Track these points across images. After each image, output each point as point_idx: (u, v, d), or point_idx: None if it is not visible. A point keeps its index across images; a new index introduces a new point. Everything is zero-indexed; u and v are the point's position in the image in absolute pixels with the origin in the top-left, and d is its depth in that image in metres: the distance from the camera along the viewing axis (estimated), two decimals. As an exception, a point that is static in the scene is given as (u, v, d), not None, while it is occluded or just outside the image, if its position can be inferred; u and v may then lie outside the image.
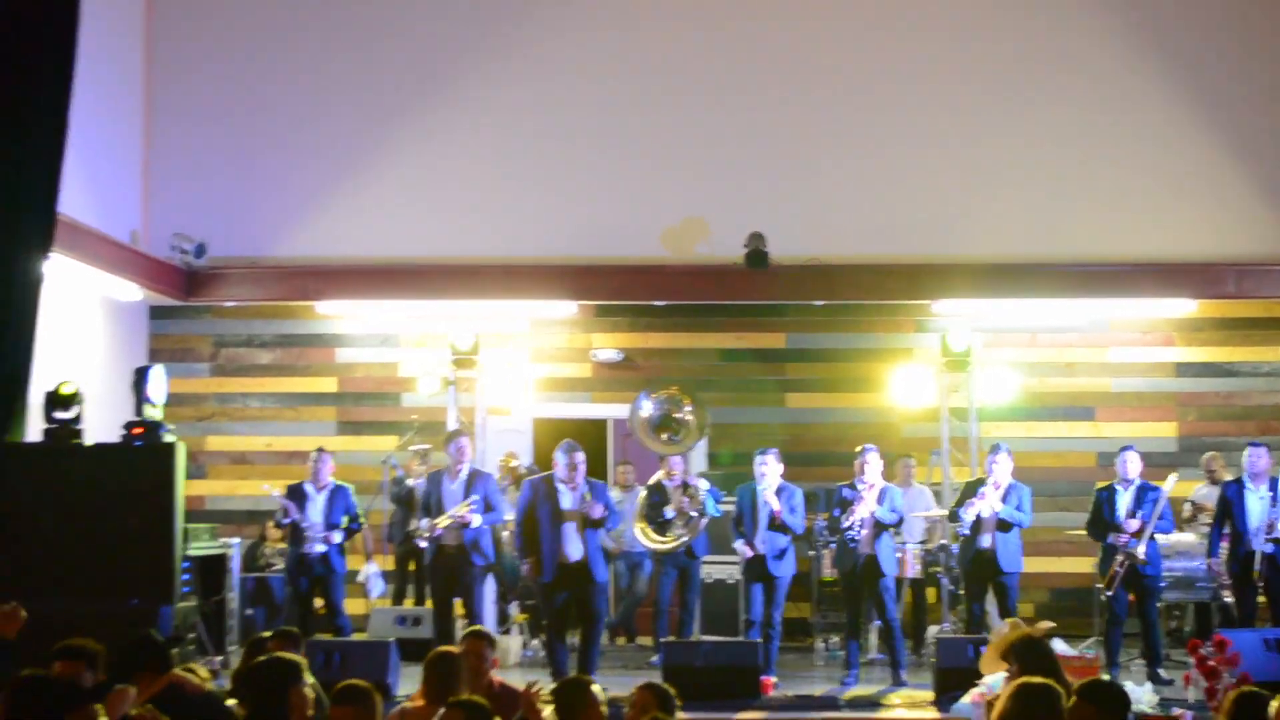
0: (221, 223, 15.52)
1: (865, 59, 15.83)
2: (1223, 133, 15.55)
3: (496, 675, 8.16)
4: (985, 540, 12.45)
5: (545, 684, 7.21)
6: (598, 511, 11.71)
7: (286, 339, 16.30)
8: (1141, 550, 12.31)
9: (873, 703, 11.56)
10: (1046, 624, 8.13)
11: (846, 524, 12.33)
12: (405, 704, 7.63)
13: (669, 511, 13.24)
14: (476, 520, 12.46)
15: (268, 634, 8.80)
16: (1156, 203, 15.54)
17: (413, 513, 14.18)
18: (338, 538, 13.06)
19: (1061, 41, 15.80)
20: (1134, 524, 12.39)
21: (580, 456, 11.83)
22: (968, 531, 12.58)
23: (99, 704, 6.18)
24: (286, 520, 13.07)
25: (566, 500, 11.78)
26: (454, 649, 7.41)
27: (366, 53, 15.97)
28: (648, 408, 13.54)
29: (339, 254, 15.62)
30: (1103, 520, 12.63)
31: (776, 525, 12.44)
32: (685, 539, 13.17)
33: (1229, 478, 13.84)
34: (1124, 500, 12.57)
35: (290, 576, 13.33)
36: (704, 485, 13.27)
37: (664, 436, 13.50)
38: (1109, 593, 12.44)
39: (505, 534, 13.58)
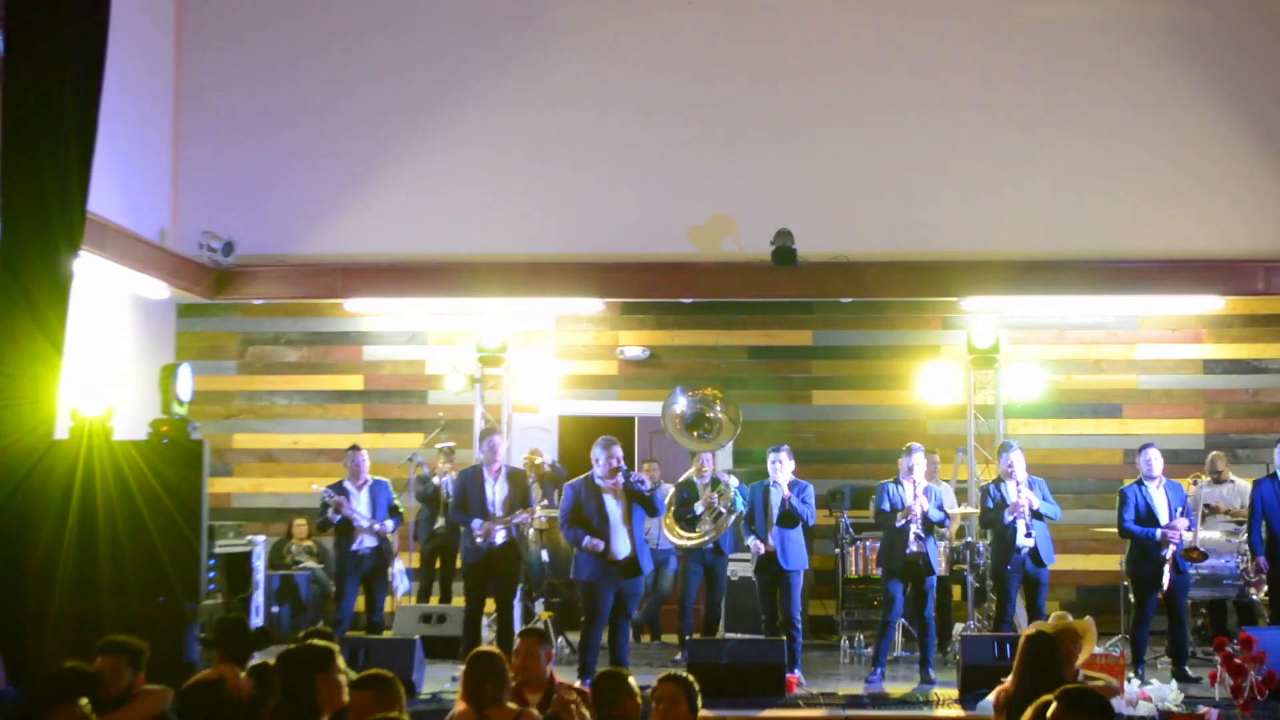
0: (249, 221, 15.55)
1: (892, 55, 15.78)
2: (1252, 129, 15.46)
3: (553, 671, 8.15)
4: (1024, 537, 12.43)
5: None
6: (647, 484, 11.83)
7: (313, 337, 16.36)
8: (1196, 543, 12.37)
9: (899, 700, 11.53)
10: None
11: (902, 522, 12.34)
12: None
13: (697, 507, 13.26)
14: (533, 521, 12.55)
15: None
16: (1185, 199, 15.46)
17: (439, 510, 14.23)
18: (390, 524, 13.10)
19: (1090, 37, 15.72)
20: (1184, 522, 12.38)
21: (618, 451, 11.86)
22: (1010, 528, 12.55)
23: (85, 699, 6.18)
24: (338, 517, 13.04)
25: (610, 497, 11.80)
26: (493, 649, 7.39)
27: (393, 50, 15.98)
28: (682, 404, 13.52)
29: (366, 252, 15.64)
30: (1140, 518, 12.56)
31: (787, 520, 12.45)
32: (712, 535, 13.19)
33: (1232, 477, 13.88)
34: (1160, 498, 12.53)
35: (337, 577, 13.31)
36: (734, 482, 13.27)
37: (696, 434, 13.49)
38: (1161, 591, 12.40)
39: (530, 531, 13.60)
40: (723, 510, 13.20)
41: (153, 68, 15.41)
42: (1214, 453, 14.45)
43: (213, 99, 15.90)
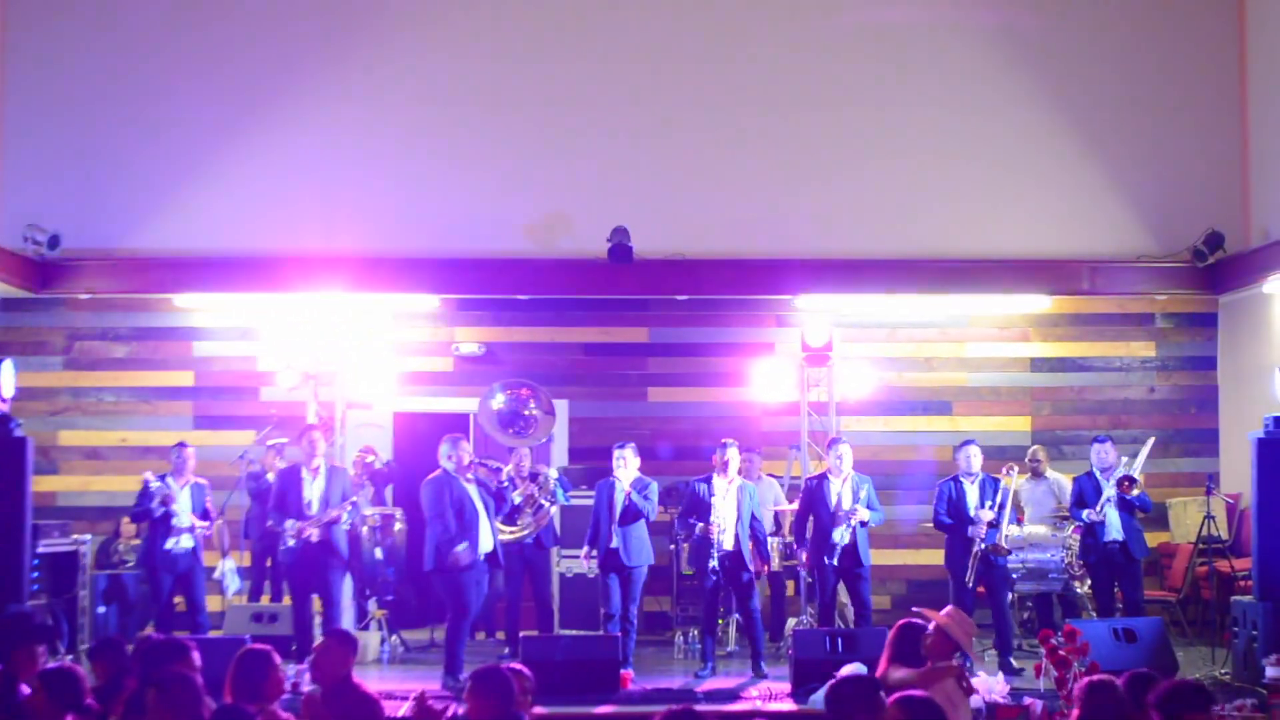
0: (76, 214, 15.27)
1: (729, 55, 15.88)
2: (1077, 132, 15.80)
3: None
4: (841, 534, 12.58)
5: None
6: (497, 477, 12.09)
7: (142, 332, 16.04)
8: (1003, 539, 12.61)
9: (729, 694, 11.60)
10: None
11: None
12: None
13: (516, 499, 13.26)
14: (344, 519, 12.45)
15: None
16: (1013, 200, 15.77)
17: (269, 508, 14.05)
18: (215, 527, 12.92)
19: (922, 41, 15.97)
20: (988, 515, 12.63)
21: (468, 446, 12.09)
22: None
23: None
24: (163, 510, 12.78)
25: (474, 491, 11.91)
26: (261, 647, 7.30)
27: (225, 43, 15.76)
28: (499, 400, 13.60)
29: (197, 246, 15.40)
30: (953, 513, 12.83)
31: (629, 516, 12.52)
32: (531, 529, 13.27)
33: (1049, 472, 14.22)
34: (972, 493, 12.84)
35: (150, 573, 13.06)
36: (553, 474, 13.33)
37: (511, 431, 13.51)
38: (970, 583, 12.66)
39: (364, 530, 13.51)
40: (543, 502, 13.25)
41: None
42: (1034, 447, 14.77)
43: (38, 87, 15.56)
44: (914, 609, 8.96)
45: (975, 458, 12.95)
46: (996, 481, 12.95)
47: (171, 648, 7.02)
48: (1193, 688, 5.94)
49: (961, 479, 12.96)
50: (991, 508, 12.71)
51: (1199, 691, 5.95)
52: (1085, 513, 13.01)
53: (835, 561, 12.52)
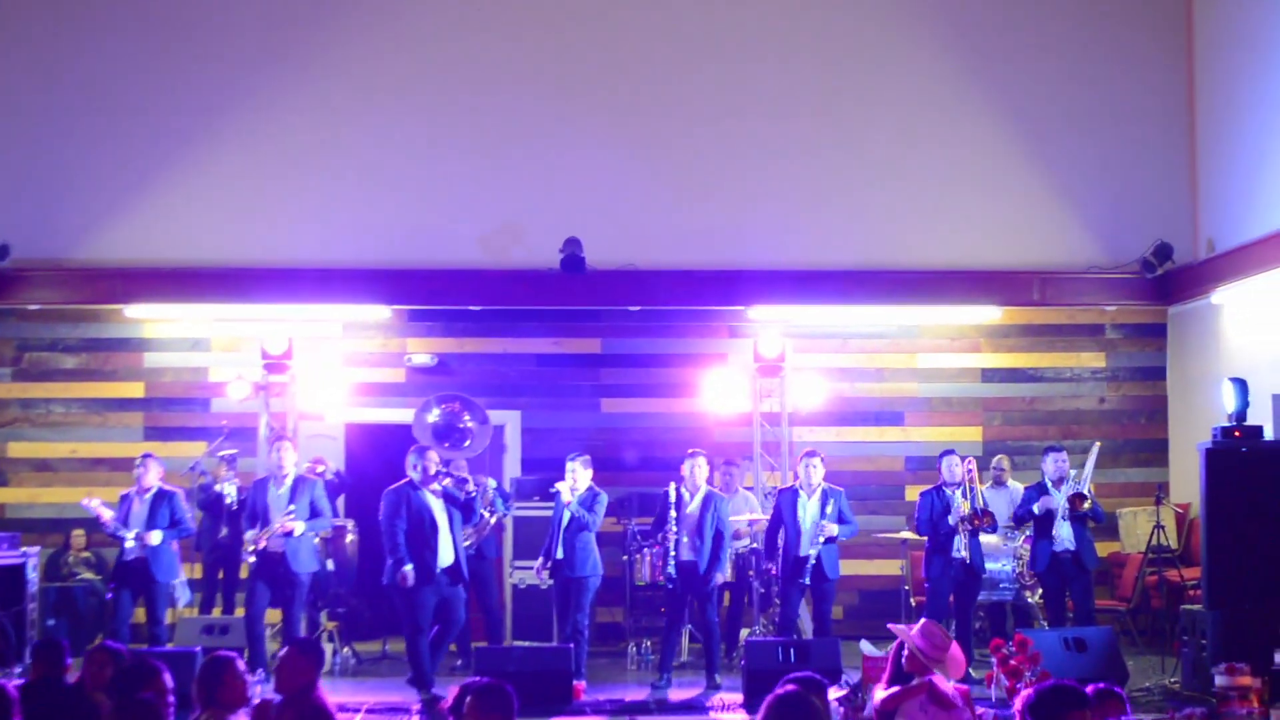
0: (25, 224, 15.24)
1: (681, 66, 15.94)
2: (1027, 144, 15.92)
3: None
4: (809, 547, 12.64)
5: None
6: (463, 488, 12.07)
7: (92, 343, 15.93)
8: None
9: (683, 706, 11.60)
10: None
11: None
12: None
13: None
14: (299, 528, 12.40)
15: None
16: (963, 212, 15.86)
17: (220, 520, 13.99)
18: (156, 538, 12.77)
19: (874, 53, 16.06)
20: (965, 506, 12.74)
21: (435, 457, 12.11)
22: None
23: None
24: (111, 528, 12.75)
25: (436, 503, 11.92)
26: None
27: (178, 52, 15.72)
28: (435, 414, 13.64)
29: (148, 256, 15.34)
30: (937, 523, 12.92)
31: (575, 527, 12.49)
32: (473, 540, 13.24)
33: (1011, 481, 14.28)
34: (956, 502, 12.88)
35: (113, 584, 12.96)
36: (491, 484, 13.31)
37: (446, 444, 13.50)
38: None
39: (316, 541, 13.45)
40: (483, 513, 13.25)
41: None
42: (998, 456, 14.83)
43: (-15, 97, 15.49)
44: (888, 625, 8.95)
45: (957, 467, 12.97)
46: (974, 487, 13.00)
47: (144, 672, 6.99)
48: (1068, 689, 5.95)
49: (945, 489, 12.98)
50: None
51: (1073, 693, 5.96)
52: (1037, 505, 13.02)
53: (807, 580, 12.58)
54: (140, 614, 13.06)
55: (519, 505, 14.45)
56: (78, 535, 15.12)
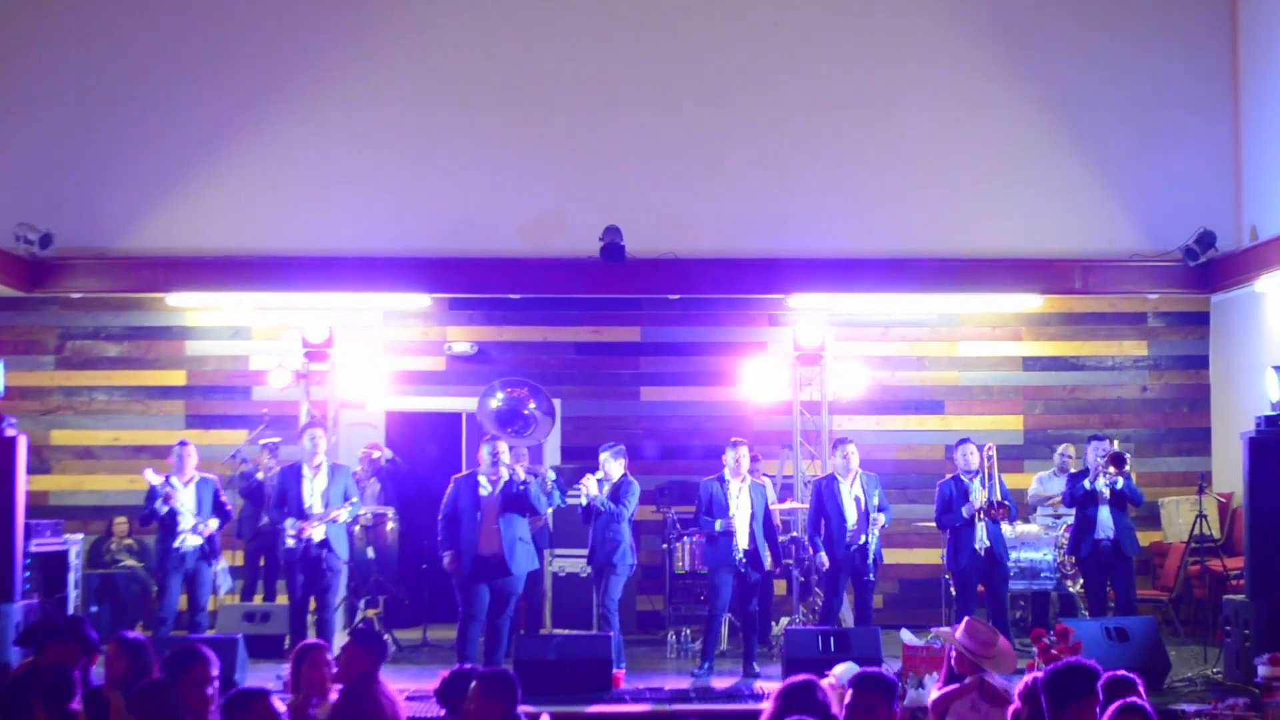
0: (68, 213, 15.27)
1: (722, 55, 15.91)
2: (1070, 131, 15.83)
3: None
4: (863, 537, 12.62)
5: None
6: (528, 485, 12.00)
7: (134, 331, 16.03)
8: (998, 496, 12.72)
9: (723, 694, 11.60)
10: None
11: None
12: None
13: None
14: (344, 515, 12.43)
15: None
16: (1006, 200, 15.78)
17: (262, 508, 14.03)
18: (214, 525, 12.75)
19: (916, 40, 15.99)
20: (981, 492, 12.66)
21: (500, 448, 12.12)
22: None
23: None
24: (167, 508, 12.53)
25: (485, 490, 11.95)
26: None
27: (220, 41, 15.76)
28: (498, 399, 13.54)
29: (190, 245, 15.40)
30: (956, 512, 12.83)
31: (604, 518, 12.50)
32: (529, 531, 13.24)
33: (1073, 468, 14.18)
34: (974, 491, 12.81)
35: (161, 575, 12.88)
36: (551, 475, 13.29)
37: (509, 430, 13.46)
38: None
39: (357, 529, 13.48)
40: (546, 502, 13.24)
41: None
42: (1063, 445, 14.79)
43: (30, 85, 15.58)
44: (931, 629, 8.91)
45: (973, 455, 12.89)
46: (994, 475, 12.92)
47: (189, 657, 7.00)
48: (1082, 668, 5.91)
49: (961, 477, 12.92)
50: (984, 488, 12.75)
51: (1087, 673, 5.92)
52: (1085, 481, 12.93)
53: (872, 576, 12.64)
54: (182, 601, 13.08)
55: (556, 495, 14.47)
56: (120, 523, 15.18)
